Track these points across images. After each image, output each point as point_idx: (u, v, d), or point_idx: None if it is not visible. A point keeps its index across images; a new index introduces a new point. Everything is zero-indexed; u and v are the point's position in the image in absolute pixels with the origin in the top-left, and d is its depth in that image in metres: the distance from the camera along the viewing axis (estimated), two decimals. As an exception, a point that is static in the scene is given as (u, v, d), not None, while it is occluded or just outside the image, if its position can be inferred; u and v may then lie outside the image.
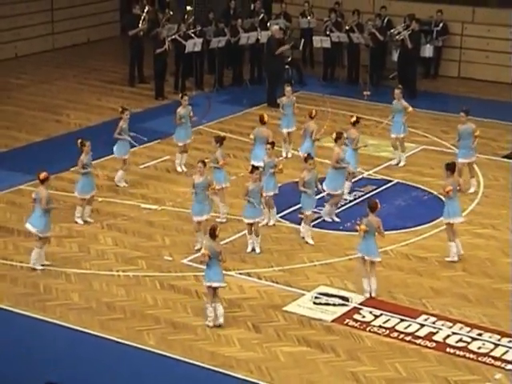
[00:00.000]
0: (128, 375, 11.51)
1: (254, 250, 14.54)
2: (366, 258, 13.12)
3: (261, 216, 14.65)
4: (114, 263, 14.32)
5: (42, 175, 13.99)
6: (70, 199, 16.51)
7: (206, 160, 15.01)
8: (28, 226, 13.99)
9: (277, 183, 15.47)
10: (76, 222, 15.47)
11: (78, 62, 25.75)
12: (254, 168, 14.59)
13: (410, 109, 17.78)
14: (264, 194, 14.79)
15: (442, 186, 14.41)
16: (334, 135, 15.68)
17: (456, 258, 14.27)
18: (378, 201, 13.36)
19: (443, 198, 14.54)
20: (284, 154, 18.37)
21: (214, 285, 12.41)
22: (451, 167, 14.38)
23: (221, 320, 12.36)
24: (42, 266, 13.93)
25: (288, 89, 18.62)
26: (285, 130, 18.43)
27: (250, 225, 14.46)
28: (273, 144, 15.54)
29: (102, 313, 12.88)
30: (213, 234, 12.35)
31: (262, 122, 16.84)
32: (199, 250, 13.81)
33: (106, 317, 12.77)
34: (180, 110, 17.51)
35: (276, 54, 21.90)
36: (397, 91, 17.91)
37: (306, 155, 15.11)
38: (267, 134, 16.56)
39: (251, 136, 16.96)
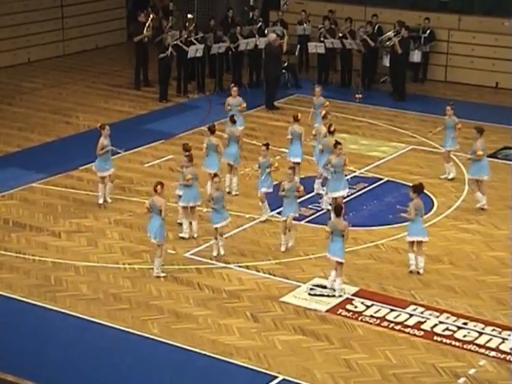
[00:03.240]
0: (133, 362, 11.46)
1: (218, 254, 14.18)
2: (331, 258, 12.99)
3: (224, 221, 14.08)
4: (121, 256, 14.26)
5: (158, 187, 13.47)
6: (79, 196, 16.48)
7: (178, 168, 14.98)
8: (150, 236, 13.55)
9: (272, 182, 15.33)
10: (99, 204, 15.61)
11: (87, 66, 25.69)
12: (215, 175, 14.14)
13: (460, 125, 17.07)
14: (259, 191, 14.68)
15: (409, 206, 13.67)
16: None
17: (413, 267, 13.76)
18: (343, 205, 13.31)
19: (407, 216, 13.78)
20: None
21: (338, 260, 12.83)
22: (418, 189, 13.69)
23: None
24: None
25: (317, 89, 18.30)
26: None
27: (216, 229, 14.15)
28: (267, 145, 15.30)
29: (109, 303, 12.83)
30: (338, 212, 12.72)
31: (296, 119, 16.62)
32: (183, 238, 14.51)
33: (113, 307, 12.72)
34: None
35: (285, 52, 22.26)
36: (448, 108, 17.09)
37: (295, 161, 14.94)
38: (300, 131, 16.51)
39: (288, 136, 16.57)
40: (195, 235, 14.74)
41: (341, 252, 12.95)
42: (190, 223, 14.75)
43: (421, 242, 13.70)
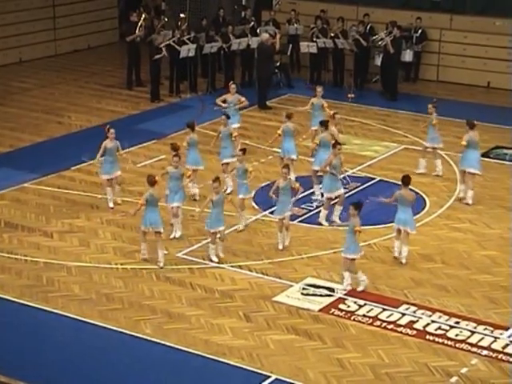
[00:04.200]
0: (126, 362, 11.45)
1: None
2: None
3: (222, 226, 13.94)
4: (113, 257, 14.25)
5: (156, 179, 13.69)
6: (71, 196, 16.46)
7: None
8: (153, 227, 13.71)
9: (249, 187, 15.14)
10: (111, 208, 15.59)
11: (79, 66, 25.66)
12: (216, 179, 13.96)
13: (435, 121, 17.15)
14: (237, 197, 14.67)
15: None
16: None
17: (396, 254, 14.05)
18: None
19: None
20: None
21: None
22: (404, 180, 14.00)
23: None
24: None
25: (319, 89, 18.33)
26: (313, 128, 18.08)
27: (214, 234, 14.16)
28: (244, 150, 15.15)
29: (102, 303, 12.82)
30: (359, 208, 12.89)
31: (289, 117, 16.73)
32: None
33: (105, 307, 12.71)
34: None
35: (277, 51, 22.31)
36: (430, 106, 17.08)
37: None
38: (293, 129, 16.68)
39: (278, 131, 16.74)
40: (179, 233, 14.75)
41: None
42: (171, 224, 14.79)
43: (407, 232, 13.89)
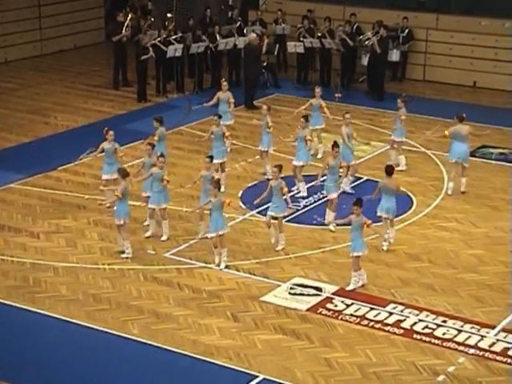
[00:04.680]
0: (113, 363, 11.43)
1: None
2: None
3: (221, 230, 13.72)
4: (100, 257, 14.23)
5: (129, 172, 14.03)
6: (58, 197, 16.41)
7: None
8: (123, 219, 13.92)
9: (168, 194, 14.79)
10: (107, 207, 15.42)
11: (65, 66, 25.58)
12: (217, 183, 13.91)
13: (403, 117, 17.43)
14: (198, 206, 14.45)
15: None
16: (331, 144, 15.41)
17: (385, 238, 14.38)
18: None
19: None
20: (318, 153, 18.23)
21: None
22: (387, 170, 14.46)
23: None
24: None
25: (318, 90, 18.32)
26: (311, 128, 17.92)
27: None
28: (211, 158, 14.90)
29: (89, 304, 12.80)
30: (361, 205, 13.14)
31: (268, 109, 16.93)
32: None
33: (93, 308, 12.69)
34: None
35: (264, 52, 22.24)
36: (399, 101, 17.55)
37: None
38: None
39: (254, 121, 17.00)
40: (165, 237, 14.69)
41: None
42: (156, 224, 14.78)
43: (392, 219, 14.41)
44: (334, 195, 15.12)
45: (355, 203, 13.17)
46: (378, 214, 14.42)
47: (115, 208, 14.04)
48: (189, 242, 14.55)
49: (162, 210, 14.61)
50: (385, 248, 14.37)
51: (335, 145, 15.23)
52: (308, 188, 16.50)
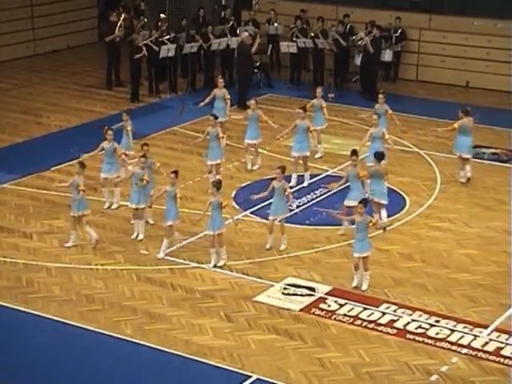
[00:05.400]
0: (106, 363, 11.41)
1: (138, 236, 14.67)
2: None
3: (218, 229, 13.72)
4: (93, 257, 14.21)
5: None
6: (51, 197, 16.38)
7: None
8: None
9: (178, 211, 14.21)
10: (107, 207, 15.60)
11: (58, 67, 25.54)
12: (218, 183, 13.89)
13: (390, 112, 17.84)
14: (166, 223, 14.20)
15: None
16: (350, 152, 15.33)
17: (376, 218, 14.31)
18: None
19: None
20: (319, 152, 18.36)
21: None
22: (377, 156, 14.97)
23: None
24: None
25: (319, 90, 18.31)
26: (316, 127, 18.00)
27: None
28: (176, 173, 14.29)
29: (82, 304, 12.78)
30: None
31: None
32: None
33: (86, 308, 12.67)
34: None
35: (253, 52, 22.13)
36: (380, 96, 17.90)
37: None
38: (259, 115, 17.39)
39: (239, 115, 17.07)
40: (141, 236, 14.68)
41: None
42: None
43: (382, 204, 14.86)
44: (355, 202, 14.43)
45: (360, 202, 13.18)
46: (371, 198, 14.72)
47: (76, 201, 14.16)
48: (182, 243, 14.53)
49: (141, 210, 14.59)
50: (383, 220, 14.62)
51: (354, 153, 14.94)
52: (304, 187, 16.57)
